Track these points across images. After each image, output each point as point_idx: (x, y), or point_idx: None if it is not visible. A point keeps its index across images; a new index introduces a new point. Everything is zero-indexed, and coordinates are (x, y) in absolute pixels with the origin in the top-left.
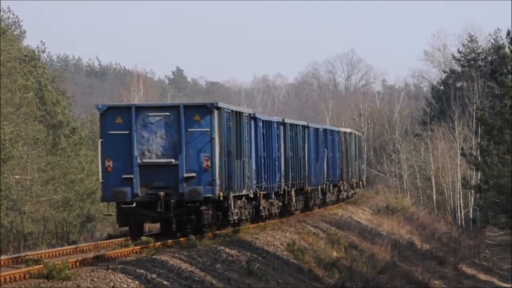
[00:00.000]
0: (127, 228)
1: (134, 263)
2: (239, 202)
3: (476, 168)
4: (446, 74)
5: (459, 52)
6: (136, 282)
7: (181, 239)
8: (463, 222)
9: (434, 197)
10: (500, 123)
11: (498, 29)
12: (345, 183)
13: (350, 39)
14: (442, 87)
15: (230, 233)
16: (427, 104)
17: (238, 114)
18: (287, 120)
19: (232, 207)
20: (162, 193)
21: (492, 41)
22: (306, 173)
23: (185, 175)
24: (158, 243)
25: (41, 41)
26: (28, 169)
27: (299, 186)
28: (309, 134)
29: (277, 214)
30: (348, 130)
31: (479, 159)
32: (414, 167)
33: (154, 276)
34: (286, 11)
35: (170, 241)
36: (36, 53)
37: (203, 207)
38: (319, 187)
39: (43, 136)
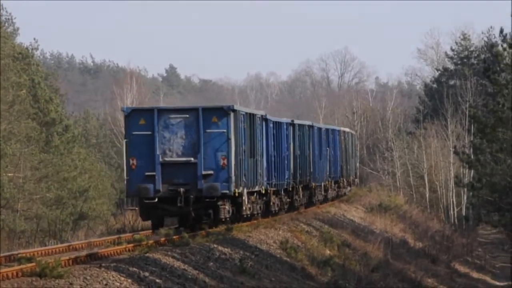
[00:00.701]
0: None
1: (127, 261)
2: (252, 197)
3: (469, 166)
4: (439, 72)
5: (452, 50)
6: (129, 280)
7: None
8: (456, 220)
9: (427, 195)
10: (493, 121)
11: (491, 27)
12: (344, 180)
13: (343, 37)
14: (435, 85)
15: (223, 231)
16: (420, 102)
17: (252, 116)
18: (296, 121)
19: (246, 202)
20: (182, 189)
21: (485, 39)
22: (311, 171)
23: (203, 172)
24: (151, 241)
25: (34, 39)
26: (21, 167)
27: (305, 183)
28: (314, 133)
29: (285, 209)
30: (347, 129)
31: (472, 157)
32: (407, 165)
33: (147, 274)
34: (279, 9)
35: (163, 239)
36: (29, 51)
37: (219, 202)
38: (322, 184)
39: (36, 133)
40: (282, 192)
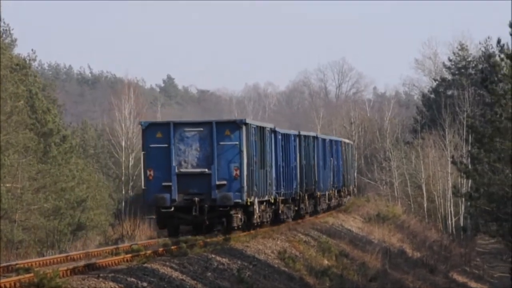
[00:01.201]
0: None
1: (125, 271)
2: (262, 206)
3: (467, 176)
4: (437, 82)
5: (450, 60)
6: None
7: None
8: (453, 230)
9: (425, 205)
10: (490, 131)
11: (488, 37)
12: (346, 189)
13: (341, 48)
14: (432, 95)
15: (221, 241)
16: (417, 112)
17: (262, 129)
18: (302, 133)
19: (257, 211)
20: (196, 199)
21: (483, 49)
22: (316, 180)
23: (217, 183)
24: (149, 252)
25: (32, 50)
26: (19, 177)
27: (310, 192)
28: (319, 144)
29: (292, 217)
30: (346, 140)
31: (470, 167)
32: (405, 175)
33: (145, 284)
34: (277, 19)
35: (161, 249)
36: (27, 62)
37: (232, 211)
38: (326, 193)
39: (34, 144)
40: (290, 201)
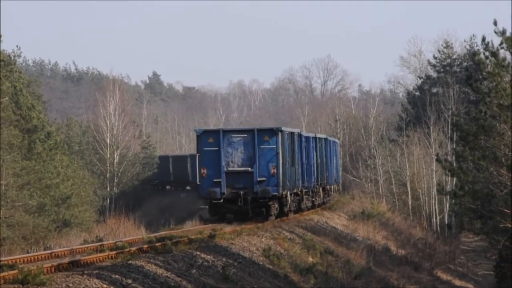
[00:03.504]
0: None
1: (109, 268)
2: (292, 198)
3: (451, 174)
4: (422, 79)
5: (435, 58)
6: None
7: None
8: (438, 228)
9: (410, 203)
10: (475, 129)
11: (473, 35)
12: (340, 183)
13: (326, 45)
14: (417, 93)
15: (205, 238)
16: (402, 110)
17: (292, 134)
18: (318, 135)
19: (289, 202)
20: (241, 192)
21: (468, 47)
22: (327, 175)
23: (258, 179)
24: (133, 249)
25: (17, 46)
26: (3, 174)
27: (323, 186)
28: (326, 144)
29: (309, 207)
30: (337, 140)
31: (454, 165)
32: (390, 173)
33: (129, 281)
34: (262, 16)
35: (145, 246)
36: (12, 58)
37: (270, 202)
38: (331, 186)
39: (18, 140)
40: (310, 193)
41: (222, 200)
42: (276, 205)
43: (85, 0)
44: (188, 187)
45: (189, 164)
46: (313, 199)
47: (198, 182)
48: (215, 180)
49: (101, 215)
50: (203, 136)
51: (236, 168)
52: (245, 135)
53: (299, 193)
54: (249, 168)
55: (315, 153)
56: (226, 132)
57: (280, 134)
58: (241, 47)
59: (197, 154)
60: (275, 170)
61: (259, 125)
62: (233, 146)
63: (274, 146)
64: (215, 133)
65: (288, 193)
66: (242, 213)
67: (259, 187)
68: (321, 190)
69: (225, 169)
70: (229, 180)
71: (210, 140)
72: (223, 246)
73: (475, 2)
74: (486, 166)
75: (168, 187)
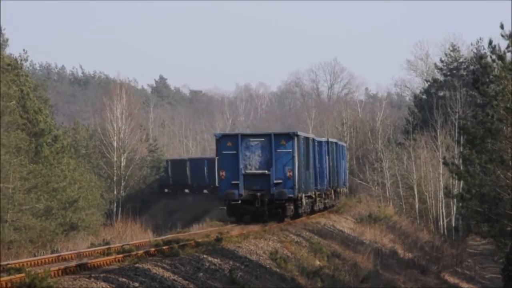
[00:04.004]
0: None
1: (116, 271)
2: (306, 200)
3: (458, 177)
4: (429, 83)
5: (442, 61)
6: None
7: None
8: (445, 231)
9: (417, 206)
10: (482, 132)
11: (480, 39)
12: (347, 186)
13: (333, 48)
14: (424, 96)
15: (212, 241)
16: (409, 113)
17: (307, 139)
18: (330, 139)
19: (304, 204)
20: (259, 194)
21: (474, 50)
22: (338, 178)
23: (275, 181)
24: (140, 252)
25: (24, 50)
26: (10, 178)
27: (334, 188)
28: (337, 148)
29: (321, 209)
30: (344, 143)
31: (461, 168)
32: (397, 176)
33: (136, 284)
34: (268, 20)
35: (152, 249)
36: (19, 62)
37: (286, 204)
38: (341, 189)
39: (25, 144)
40: (323, 195)
41: (240, 202)
42: (292, 207)
43: (92, 4)
44: (205, 191)
45: (205, 167)
46: (325, 201)
47: (217, 184)
48: (233, 182)
49: (108, 218)
50: (222, 140)
51: (254, 171)
52: (263, 139)
53: (313, 195)
54: (266, 171)
55: (327, 157)
56: (244, 136)
57: (296, 138)
58: (248, 50)
59: (216, 157)
60: (291, 173)
61: (266, 129)
62: (250, 150)
63: (290, 150)
64: (233, 137)
65: (303, 195)
66: (259, 214)
67: (275, 189)
68: (332, 192)
69: (243, 172)
70: (247, 182)
71: (229, 144)
72: (230, 249)
73: (482, 5)
74: (493, 169)
75: (187, 190)
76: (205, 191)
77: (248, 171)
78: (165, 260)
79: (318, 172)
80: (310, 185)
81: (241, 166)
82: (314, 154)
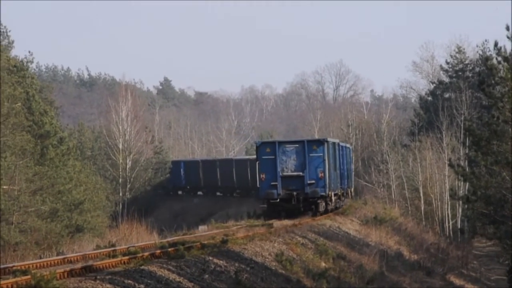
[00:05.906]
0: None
1: (122, 273)
2: (334, 197)
3: (464, 179)
4: (434, 85)
5: (447, 63)
6: None
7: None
8: (451, 233)
9: (422, 208)
10: (487, 134)
11: (485, 40)
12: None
13: (338, 50)
14: (430, 98)
15: (218, 243)
16: (415, 115)
17: (334, 144)
18: (347, 145)
19: (333, 201)
20: (294, 193)
21: (480, 52)
22: (352, 179)
23: (308, 182)
24: (146, 254)
25: (29, 52)
26: (16, 180)
27: (350, 188)
28: (349, 151)
29: (342, 206)
30: (350, 145)
31: (467, 170)
32: (402, 178)
33: (142, 286)
34: (274, 22)
35: (158, 251)
36: (24, 64)
37: (319, 201)
38: (351, 189)
39: (31, 146)
40: (344, 194)
41: (278, 200)
42: (323, 203)
43: (97, 6)
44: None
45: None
46: (345, 199)
47: (258, 185)
48: (272, 183)
49: (114, 220)
50: (262, 147)
51: (290, 173)
52: (297, 145)
53: (339, 193)
54: (301, 173)
55: (347, 160)
56: (281, 143)
57: (326, 144)
58: (253, 52)
59: (257, 162)
60: (322, 174)
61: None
62: (287, 155)
63: (321, 154)
64: (271, 144)
65: (332, 193)
66: (295, 210)
67: (309, 189)
68: (349, 191)
69: (280, 174)
70: (284, 183)
71: (268, 150)
72: (236, 251)
73: (487, 6)
74: (498, 171)
75: (200, 192)
76: (218, 193)
77: (285, 173)
78: (170, 262)
79: (340, 173)
80: (337, 184)
81: (278, 169)
82: (339, 157)
